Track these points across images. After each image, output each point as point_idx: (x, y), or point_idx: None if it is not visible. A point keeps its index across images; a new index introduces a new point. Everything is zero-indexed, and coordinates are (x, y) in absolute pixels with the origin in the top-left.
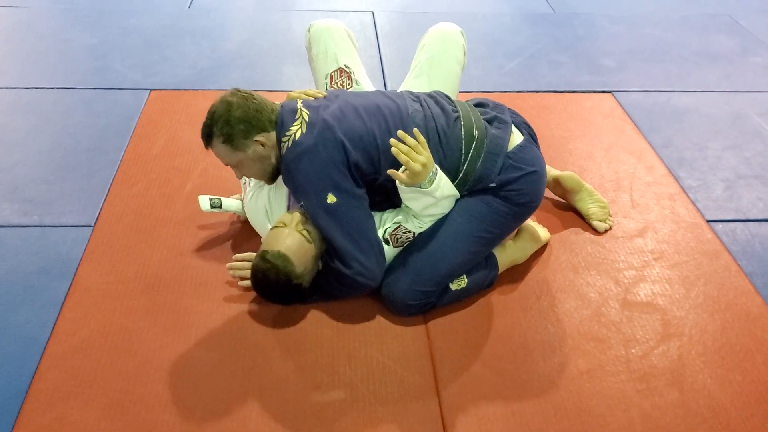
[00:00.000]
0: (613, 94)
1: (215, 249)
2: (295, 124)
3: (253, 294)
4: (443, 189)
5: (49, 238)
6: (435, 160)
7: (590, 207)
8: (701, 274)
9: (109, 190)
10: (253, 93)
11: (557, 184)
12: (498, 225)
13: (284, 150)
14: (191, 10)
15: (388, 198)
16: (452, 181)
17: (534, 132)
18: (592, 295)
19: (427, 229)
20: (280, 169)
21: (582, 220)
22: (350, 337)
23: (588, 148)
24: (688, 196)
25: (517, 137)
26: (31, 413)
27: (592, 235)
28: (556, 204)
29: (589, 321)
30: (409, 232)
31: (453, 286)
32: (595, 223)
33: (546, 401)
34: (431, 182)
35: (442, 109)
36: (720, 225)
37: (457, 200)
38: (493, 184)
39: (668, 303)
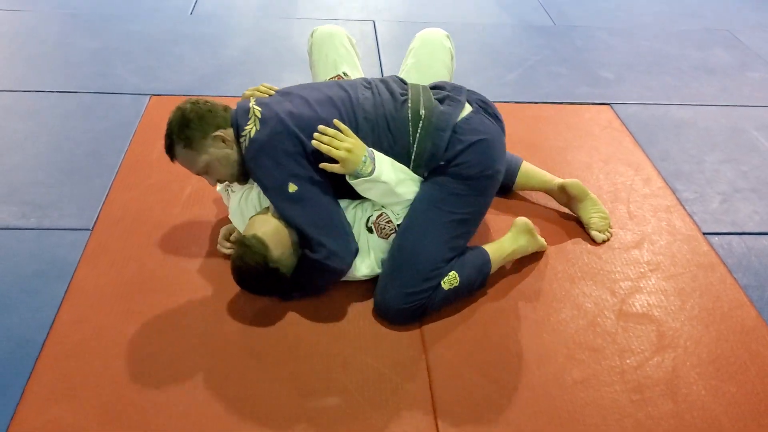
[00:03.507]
0: (611, 106)
1: (212, 254)
2: (249, 123)
3: (249, 300)
4: (389, 173)
5: (47, 241)
6: (384, 144)
7: (592, 216)
8: (697, 287)
9: (107, 194)
10: (205, 98)
11: (562, 191)
12: (460, 204)
13: (243, 150)
14: (193, 16)
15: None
16: (407, 165)
17: (491, 105)
18: (587, 305)
19: (399, 230)
20: None
21: (579, 230)
22: (345, 344)
23: (586, 160)
24: (685, 209)
25: (467, 112)
26: (26, 415)
27: (588, 246)
28: (553, 215)
29: (585, 331)
30: (391, 222)
31: (445, 286)
32: (593, 233)
33: (540, 410)
34: (368, 166)
35: (392, 93)
36: (716, 238)
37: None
38: (441, 162)
39: (663, 314)
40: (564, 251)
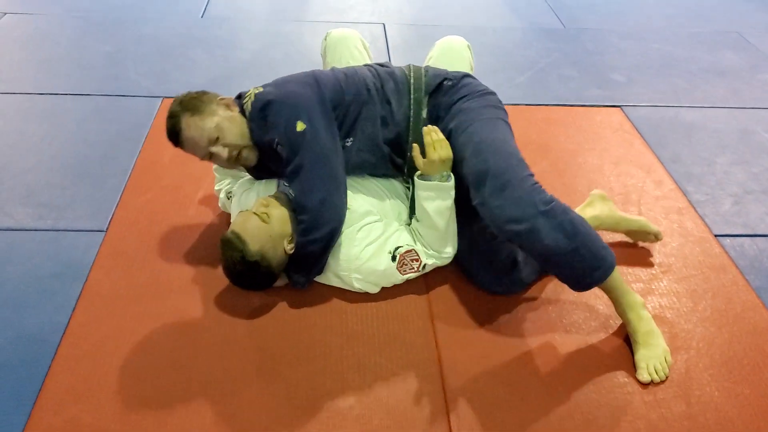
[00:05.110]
0: (621, 109)
1: None
2: (249, 91)
3: (263, 301)
4: (452, 194)
5: (62, 243)
6: (391, 96)
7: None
8: (709, 288)
9: (121, 196)
10: None
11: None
12: (494, 111)
13: (248, 110)
14: (204, 19)
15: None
16: (407, 94)
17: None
18: (600, 308)
19: (472, 149)
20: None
21: None
22: (360, 345)
23: (597, 162)
24: (696, 211)
25: None
26: (43, 415)
27: None
28: None
29: (597, 332)
30: (418, 260)
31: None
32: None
33: (553, 411)
34: (444, 178)
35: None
36: (728, 239)
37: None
38: (449, 82)
39: (676, 316)
40: None
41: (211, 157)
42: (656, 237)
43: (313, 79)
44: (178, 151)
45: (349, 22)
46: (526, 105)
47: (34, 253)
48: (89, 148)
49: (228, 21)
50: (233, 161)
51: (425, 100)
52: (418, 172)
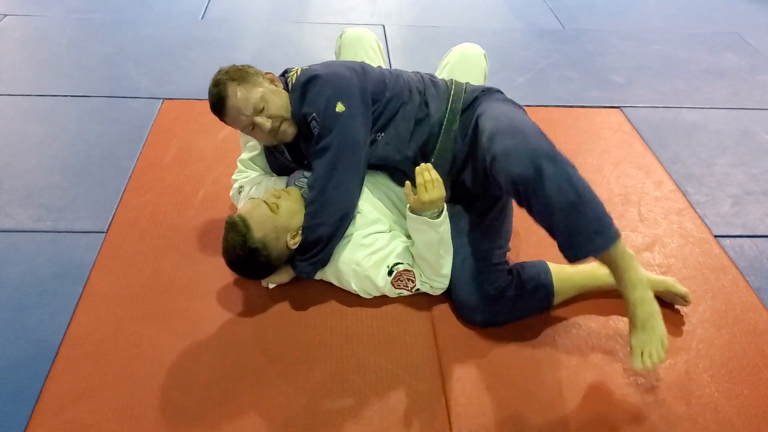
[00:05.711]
0: (621, 110)
1: None
2: (293, 69)
3: (263, 302)
4: (446, 229)
5: (63, 244)
6: (430, 101)
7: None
8: (708, 289)
9: (121, 197)
10: None
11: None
12: (518, 108)
13: (291, 84)
14: (204, 20)
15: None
16: (446, 102)
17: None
18: (600, 308)
19: (493, 126)
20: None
21: None
22: (360, 346)
23: (597, 163)
24: (696, 212)
25: None
26: (43, 416)
27: None
28: None
29: (597, 333)
30: (413, 281)
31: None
32: None
33: (553, 412)
34: (435, 218)
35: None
36: (728, 240)
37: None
38: (485, 92)
39: (676, 317)
40: None
41: (253, 128)
42: (684, 299)
43: (361, 69)
44: (178, 152)
45: (350, 24)
46: (526, 106)
47: (35, 254)
48: (90, 149)
49: (228, 22)
50: (274, 134)
51: (459, 114)
52: (409, 205)
